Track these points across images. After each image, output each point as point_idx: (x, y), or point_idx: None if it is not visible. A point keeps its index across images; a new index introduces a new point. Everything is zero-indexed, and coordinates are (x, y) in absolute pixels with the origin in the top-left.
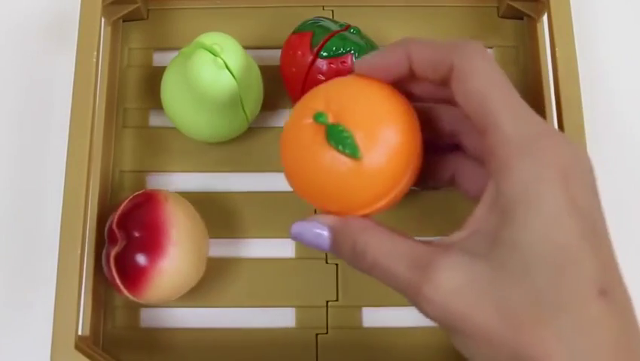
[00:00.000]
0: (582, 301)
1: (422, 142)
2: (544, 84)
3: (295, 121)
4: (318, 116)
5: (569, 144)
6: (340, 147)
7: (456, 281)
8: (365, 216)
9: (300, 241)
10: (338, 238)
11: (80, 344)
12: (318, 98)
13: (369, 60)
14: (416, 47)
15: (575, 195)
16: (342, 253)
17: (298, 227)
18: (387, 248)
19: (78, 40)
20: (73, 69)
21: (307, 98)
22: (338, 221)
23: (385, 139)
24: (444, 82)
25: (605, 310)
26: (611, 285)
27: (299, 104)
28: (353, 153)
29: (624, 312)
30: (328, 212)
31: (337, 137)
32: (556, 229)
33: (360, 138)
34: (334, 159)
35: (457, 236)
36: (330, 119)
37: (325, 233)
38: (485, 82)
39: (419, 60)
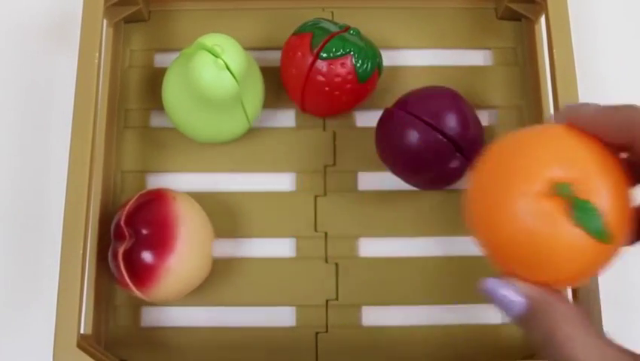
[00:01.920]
0: None
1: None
2: (542, 85)
3: (514, 182)
4: (562, 188)
5: None
6: (590, 229)
7: None
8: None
9: (489, 297)
10: (535, 315)
11: (83, 343)
12: (544, 160)
13: (589, 112)
14: None
15: None
16: (532, 331)
17: (492, 284)
18: (593, 354)
19: (80, 42)
20: (75, 70)
21: (525, 157)
22: (538, 295)
23: (629, 217)
24: None
25: None
26: None
27: (516, 164)
28: (602, 237)
29: None
30: (517, 275)
31: (587, 216)
32: None
33: (607, 217)
34: (574, 237)
35: None
36: (575, 192)
37: (519, 301)
38: None
39: None
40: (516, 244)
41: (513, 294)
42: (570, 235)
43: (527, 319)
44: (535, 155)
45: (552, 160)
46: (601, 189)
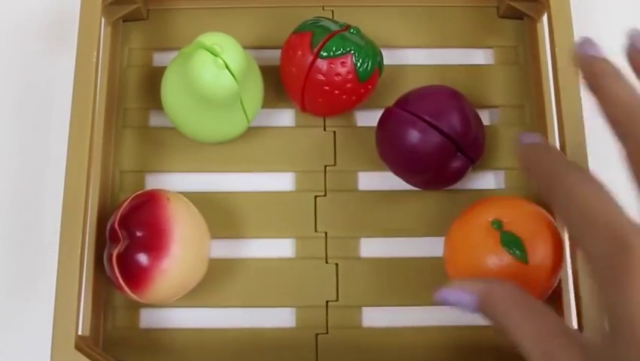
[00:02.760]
0: None
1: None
2: (544, 84)
3: (470, 224)
4: (495, 224)
5: None
6: (512, 252)
7: None
8: None
9: (446, 304)
10: (487, 306)
11: (81, 344)
12: (491, 209)
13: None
14: None
15: None
16: (491, 321)
17: (444, 293)
18: (528, 328)
19: (78, 41)
20: (73, 69)
21: (481, 208)
22: (483, 286)
23: (543, 249)
24: None
25: None
26: None
27: (474, 212)
28: (523, 257)
29: None
30: None
31: (510, 243)
32: None
33: (526, 245)
34: (503, 260)
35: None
36: (505, 227)
37: (471, 298)
38: None
39: None
40: (470, 269)
41: (463, 294)
42: (499, 258)
43: (483, 311)
44: (486, 208)
45: (495, 210)
46: (525, 226)
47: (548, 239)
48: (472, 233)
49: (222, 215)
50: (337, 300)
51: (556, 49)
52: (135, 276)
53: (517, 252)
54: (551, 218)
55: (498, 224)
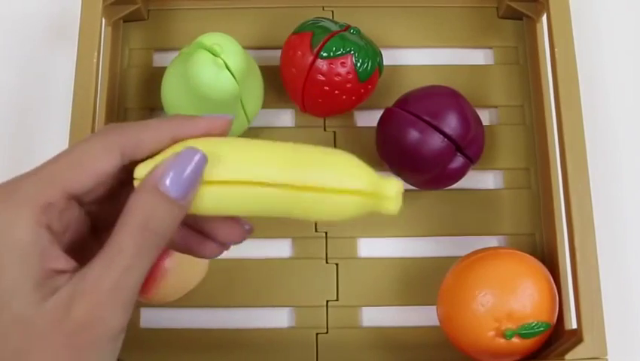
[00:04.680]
0: None
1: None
2: (544, 84)
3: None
4: (508, 334)
5: None
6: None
7: None
8: None
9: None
10: None
11: None
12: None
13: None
14: None
15: None
16: None
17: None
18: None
19: (79, 41)
20: (74, 69)
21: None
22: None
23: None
24: None
25: None
26: None
27: (468, 285)
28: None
29: None
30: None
31: (531, 333)
32: None
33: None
34: (501, 342)
35: None
36: (512, 327)
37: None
38: None
39: None
40: (468, 345)
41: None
42: (499, 343)
43: None
44: (474, 279)
45: (481, 283)
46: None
47: (548, 299)
48: (469, 320)
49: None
50: (337, 300)
51: (556, 49)
52: None
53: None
54: (540, 265)
55: (511, 334)
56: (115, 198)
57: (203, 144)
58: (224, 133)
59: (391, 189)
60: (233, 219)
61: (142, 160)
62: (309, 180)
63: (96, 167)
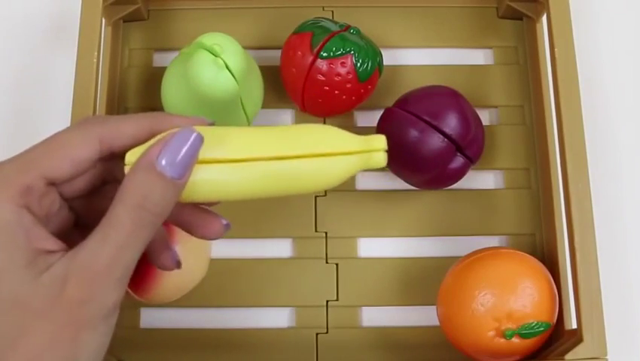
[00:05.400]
0: None
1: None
2: (544, 84)
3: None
4: (508, 334)
5: None
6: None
7: None
8: None
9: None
10: None
11: None
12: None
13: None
14: None
15: None
16: None
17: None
18: None
19: (79, 41)
20: (74, 69)
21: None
22: None
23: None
24: None
25: None
26: None
27: (468, 285)
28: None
29: None
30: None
31: (531, 333)
32: None
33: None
34: (501, 342)
35: None
36: (512, 327)
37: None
38: None
39: None
40: (467, 344)
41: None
42: (499, 343)
43: None
44: (474, 279)
45: (481, 283)
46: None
47: (548, 299)
48: (469, 320)
49: (221, 215)
50: (337, 300)
51: (556, 49)
52: (136, 276)
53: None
54: (540, 266)
55: (511, 334)
56: (97, 194)
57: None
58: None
59: (378, 142)
60: (212, 215)
61: (120, 151)
62: (304, 148)
63: (74, 153)
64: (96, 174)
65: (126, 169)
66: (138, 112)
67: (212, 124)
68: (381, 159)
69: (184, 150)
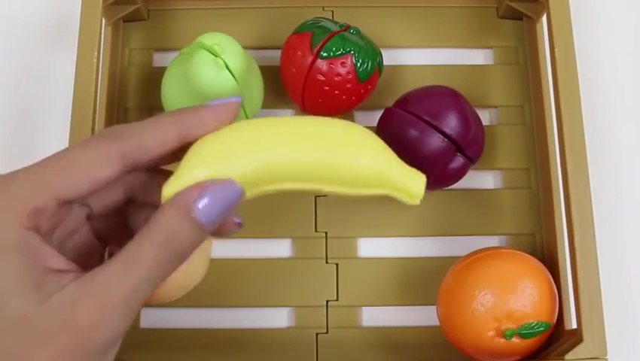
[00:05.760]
0: None
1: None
2: (544, 84)
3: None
4: (508, 334)
5: None
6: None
7: None
8: None
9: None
10: None
11: None
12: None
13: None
14: None
15: None
16: None
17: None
18: None
19: (79, 41)
20: (74, 69)
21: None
22: None
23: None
24: None
25: None
26: None
27: (468, 285)
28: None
29: None
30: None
31: (531, 333)
32: None
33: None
34: (501, 342)
35: None
36: (512, 327)
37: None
38: None
39: None
40: (467, 344)
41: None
42: (499, 343)
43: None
44: (474, 279)
45: (481, 283)
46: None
47: (547, 298)
48: (469, 321)
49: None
50: (337, 300)
51: (556, 49)
52: None
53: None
54: (540, 265)
55: (511, 334)
56: (121, 213)
57: (220, 141)
58: (233, 119)
59: (418, 185)
60: None
61: (146, 166)
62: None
63: (93, 173)
64: (119, 192)
65: (164, 200)
66: (138, 112)
67: (241, 103)
68: (416, 202)
69: (222, 202)
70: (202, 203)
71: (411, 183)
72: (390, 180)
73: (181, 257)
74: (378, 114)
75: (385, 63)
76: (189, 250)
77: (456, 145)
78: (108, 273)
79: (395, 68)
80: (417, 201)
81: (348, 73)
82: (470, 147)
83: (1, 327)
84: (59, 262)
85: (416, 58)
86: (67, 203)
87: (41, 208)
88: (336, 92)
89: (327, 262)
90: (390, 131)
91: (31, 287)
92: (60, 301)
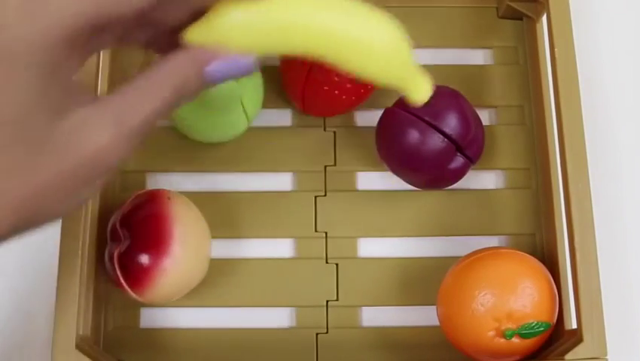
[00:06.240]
0: None
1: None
2: (544, 84)
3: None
4: (508, 334)
5: None
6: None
7: None
8: None
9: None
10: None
11: (81, 344)
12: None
13: None
14: None
15: None
16: None
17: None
18: None
19: None
20: None
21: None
22: None
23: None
24: None
25: None
26: None
27: (468, 285)
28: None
29: None
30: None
31: (531, 333)
32: None
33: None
34: (501, 342)
35: None
36: (512, 327)
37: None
38: None
39: None
40: (468, 347)
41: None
42: (499, 343)
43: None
44: (474, 279)
45: (481, 283)
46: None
47: (547, 299)
48: (469, 321)
49: (222, 215)
50: (337, 300)
51: (556, 49)
52: (136, 275)
53: (530, 336)
54: (541, 266)
55: (511, 334)
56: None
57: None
58: None
59: (427, 84)
60: None
61: None
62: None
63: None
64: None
65: (185, 42)
66: None
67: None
68: (420, 99)
69: (232, 70)
70: (215, 64)
71: (422, 79)
72: (410, 68)
73: (183, 100)
74: (378, 114)
75: None
76: (191, 97)
77: (456, 145)
78: (124, 100)
79: None
80: (426, 98)
81: (348, 73)
82: (471, 147)
83: (13, 141)
84: (78, 83)
85: (417, 57)
86: (100, 28)
87: (78, 27)
88: (336, 92)
89: (327, 262)
90: (390, 131)
91: (49, 106)
92: (75, 122)
